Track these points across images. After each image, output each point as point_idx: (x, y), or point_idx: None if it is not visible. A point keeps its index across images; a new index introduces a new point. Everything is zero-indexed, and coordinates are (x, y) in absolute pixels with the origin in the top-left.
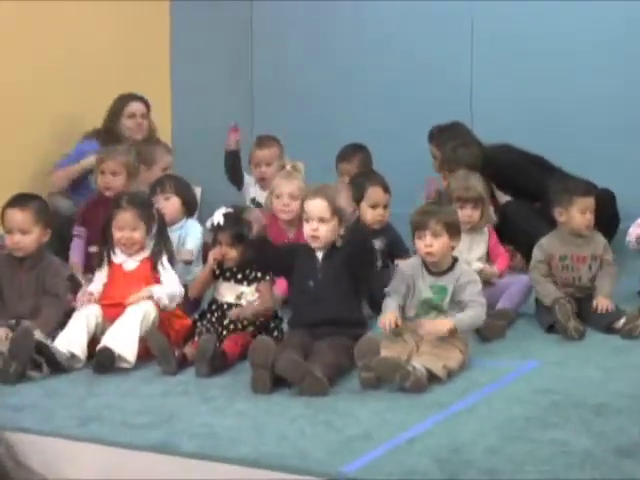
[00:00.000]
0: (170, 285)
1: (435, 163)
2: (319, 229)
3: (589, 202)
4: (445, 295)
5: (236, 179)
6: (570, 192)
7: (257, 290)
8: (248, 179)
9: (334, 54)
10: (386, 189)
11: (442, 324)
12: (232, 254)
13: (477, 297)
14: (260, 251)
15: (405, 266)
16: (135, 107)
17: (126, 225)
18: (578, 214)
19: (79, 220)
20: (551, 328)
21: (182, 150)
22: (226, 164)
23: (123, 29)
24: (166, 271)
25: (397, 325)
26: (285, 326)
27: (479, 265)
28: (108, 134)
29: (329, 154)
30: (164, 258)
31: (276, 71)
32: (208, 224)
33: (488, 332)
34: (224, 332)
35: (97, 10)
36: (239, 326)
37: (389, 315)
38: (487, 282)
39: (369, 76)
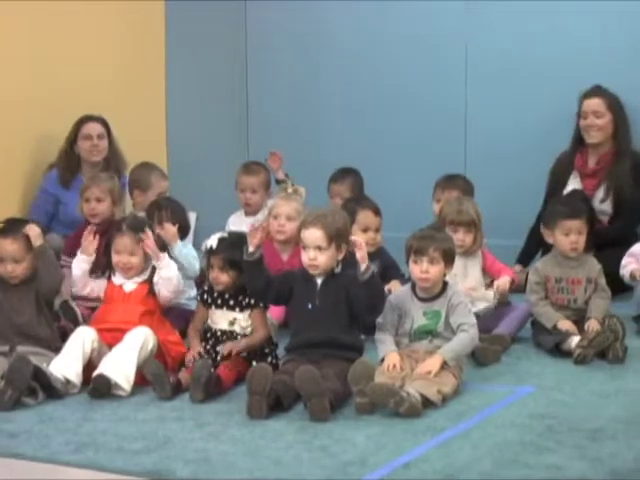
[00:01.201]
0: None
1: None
2: (317, 258)
3: (573, 225)
4: (439, 319)
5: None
6: (554, 214)
7: (250, 318)
8: (233, 219)
9: (328, 58)
10: (377, 212)
11: (430, 366)
12: (223, 278)
13: (467, 319)
14: (253, 270)
15: (395, 298)
16: (90, 128)
17: (124, 249)
18: (561, 236)
19: (66, 251)
20: (554, 347)
21: (177, 174)
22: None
23: (118, 31)
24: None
25: (401, 367)
26: (280, 352)
27: (490, 291)
28: (68, 159)
29: (322, 166)
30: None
31: (270, 75)
32: (203, 247)
33: (483, 357)
34: (218, 358)
35: (92, 11)
36: (233, 352)
37: (392, 357)
38: (503, 302)
39: (359, 89)
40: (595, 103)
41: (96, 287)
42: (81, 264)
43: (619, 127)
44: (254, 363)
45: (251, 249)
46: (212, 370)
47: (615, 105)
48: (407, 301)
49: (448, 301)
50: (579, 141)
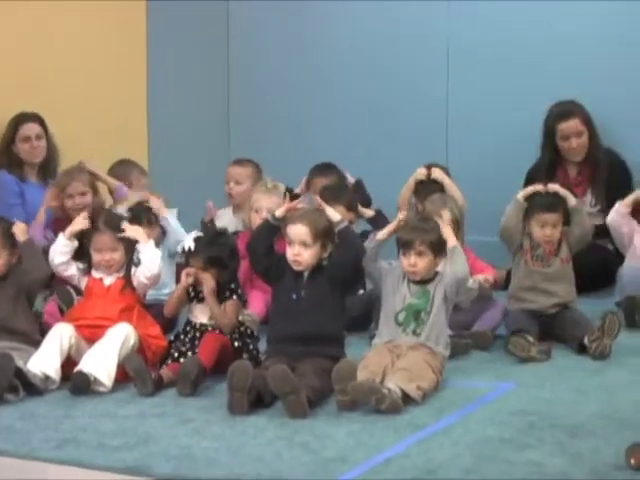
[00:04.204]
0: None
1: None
2: (301, 254)
3: (548, 218)
4: (428, 297)
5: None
6: (532, 205)
7: (223, 307)
8: (219, 213)
9: (311, 58)
10: (350, 208)
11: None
12: (204, 278)
13: None
14: (265, 233)
15: (391, 269)
16: (28, 129)
17: (104, 247)
18: (537, 228)
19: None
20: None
21: (159, 170)
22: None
23: (99, 27)
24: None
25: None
26: (262, 345)
27: (474, 279)
28: (10, 159)
29: (302, 161)
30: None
31: (252, 75)
32: (179, 248)
33: (453, 350)
34: (196, 351)
35: (73, 10)
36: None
37: None
38: (485, 295)
39: (344, 86)
40: (574, 125)
41: (77, 274)
42: (63, 248)
43: (593, 136)
44: (243, 356)
45: (278, 214)
46: (200, 367)
47: (587, 117)
48: (399, 280)
49: (439, 281)
50: (556, 157)
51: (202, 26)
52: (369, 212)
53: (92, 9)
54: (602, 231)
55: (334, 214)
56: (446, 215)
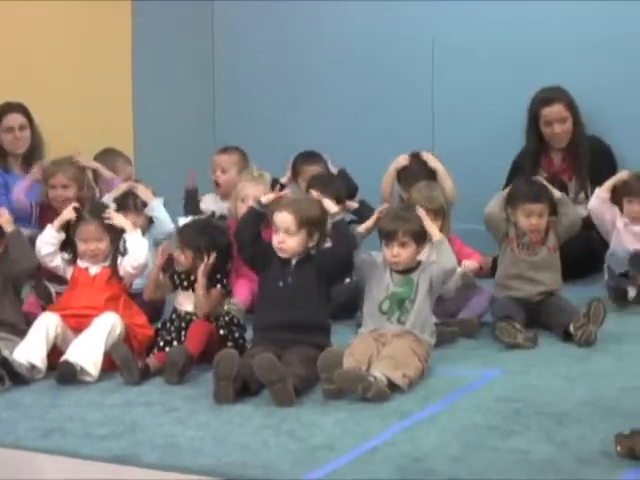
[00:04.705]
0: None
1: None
2: (285, 241)
3: (535, 208)
4: (412, 286)
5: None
6: (518, 195)
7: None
8: (206, 198)
9: (295, 57)
10: (339, 200)
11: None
12: (181, 258)
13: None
14: (251, 220)
15: (375, 257)
16: (12, 119)
17: (90, 237)
18: (522, 217)
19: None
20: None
21: (144, 160)
22: (185, 203)
23: (86, 20)
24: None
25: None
26: (248, 335)
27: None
28: None
29: (288, 152)
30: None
31: (237, 74)
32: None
33: (439, 338)
34: (182, 338)
35: (57, 10)
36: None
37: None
38: (470, 283)
39: (329, 85)
40: (558, 110)
41: (62, 264)
42: (51, 239)
43: (577, 122)
44: (228, 344)
45: (264, 201)
46: (187, 355)
47: (571, 103)
48: (381, 269)
49: (422, 270)
50: (541, 144)
51: (187, 25)
52: (353, 204)
53: (79, 8)
54: (586, 225)
55: (331, 206)
56: (423, 214)
